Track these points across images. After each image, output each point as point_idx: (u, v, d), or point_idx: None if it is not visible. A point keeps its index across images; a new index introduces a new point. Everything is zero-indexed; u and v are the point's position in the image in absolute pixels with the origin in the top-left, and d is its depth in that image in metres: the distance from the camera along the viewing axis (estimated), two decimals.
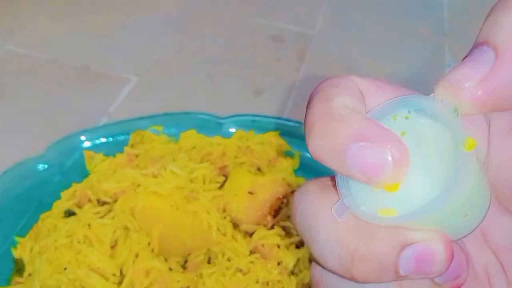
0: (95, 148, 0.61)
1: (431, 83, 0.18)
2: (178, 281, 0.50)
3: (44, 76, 0.74)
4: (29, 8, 0.86)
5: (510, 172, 0.19)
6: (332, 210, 0.18)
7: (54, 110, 0.68)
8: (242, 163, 0.59)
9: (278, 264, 0.51)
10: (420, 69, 0.79)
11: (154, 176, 0.56)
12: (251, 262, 0.51)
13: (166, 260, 0.51)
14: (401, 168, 0.17)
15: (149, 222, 0.53)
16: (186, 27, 0.86)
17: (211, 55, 0.80)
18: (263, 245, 0.52)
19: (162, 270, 0.50)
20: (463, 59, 0.18)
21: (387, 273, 0.18)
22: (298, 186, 0.56)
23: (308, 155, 0.60)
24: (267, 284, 0.50)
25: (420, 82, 0.72)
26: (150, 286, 0.49)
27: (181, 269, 0.51)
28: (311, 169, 0.58)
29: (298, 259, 0.51)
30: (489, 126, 0.20)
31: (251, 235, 0.53)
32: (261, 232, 0.53)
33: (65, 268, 0.49)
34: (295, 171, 0.60)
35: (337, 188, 0.19)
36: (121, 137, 0.62)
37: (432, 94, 0.18)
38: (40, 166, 0.58)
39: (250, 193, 0.55)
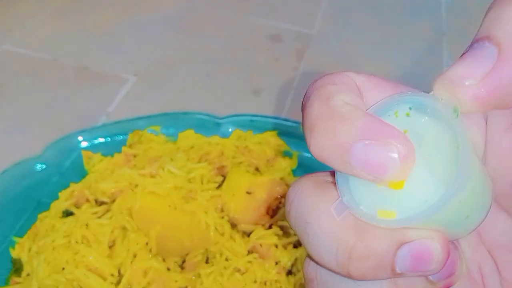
0: (93, 148, 0.61)
1: (429, 82, 0.18)
2: (176, 281, 0.50)
3: (43, 76, 0.74)
4: (28, 8, 0.86)
5: (506, 170, 0.19)
6: (331, 209, 0.18)
7: (52, 110, 0.68)
8: (240, 163, 0.59)
9: (276, 263, 0.51)
10: (418, 68, 0.79)
11: (152, 176, 0.56)
12: (249, 261, 0.51)
13: (164, 260, 0.51)
14: (407, 165, 0.17)
15: (147, 222, 0.53)
16: (186, 27, 0.86)
17: (210, 55, 0.80)
18: (261, 245, 0.52)
19: (160, 270, 0.50)
20: (462, 54, 0.17)
21: (384, 270, 0.18)
22: None
23: (307, 154, 0.61)
24: (265, 283, 0.50)
25: (419, 81, 0.72)
26: (148, 286, 0.49)
27: (179, 269, 0.51)
28: (310, 169, 0.58)
29: (296, 259, 0.51)
30: (486, 123, 0.19)
31: (249, 235, 0.53)
32: (259, 232, 0.53)
33: (63, 268, 0.49)
34: (293, 171, 0.60)
35: (337, 186, 0.18)
36: (119, 137, 0.62)
37: (431, 92, 0.18)
38: (38, 166, 0.59)
39: (248, 193, 0.55)
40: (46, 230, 0.53)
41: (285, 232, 0.53)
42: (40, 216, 0.55)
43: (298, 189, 0.20)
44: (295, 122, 0.63)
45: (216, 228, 0.53)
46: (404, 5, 0.93)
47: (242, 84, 0.75)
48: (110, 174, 0.57)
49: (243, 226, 0.54)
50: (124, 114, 0.67)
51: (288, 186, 0.56)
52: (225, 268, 0.50)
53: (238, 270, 0.50)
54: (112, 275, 0.50)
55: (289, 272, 0.51)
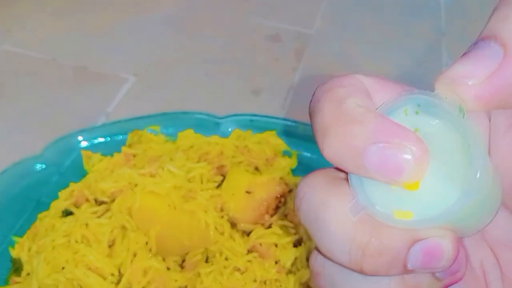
0: (93, 148, 0.61)
1: (429, 82, 0.18)
2: (176, 280, 0.50)
3: (42, 76, 0.74)
4: (28, 8, 0.86)
5: (508, 169, 0.19)
6: (347, 210, 0.18)
7: (52, 110, 0.69)
8: (240, 162, 0.59)
9: (276, 263, 0.51)
10: (418, 68, 0.79)
11: (152, 176, 0.56)
12: (249, 261, 0.51)
13: (164, 259, 0.51)
14: (422, 166, 0.17)
15: (146, 221, 0.53)
16: (186, 27, 0.86)
17: (210, 55, 0.80)
18: (260, 244, 0.52)
19: (160, 269, 0.50)
20: (465, 53, 0.17)
21: (396, 267, 0.18)
22: (296, 185, 0.56)
23: (306, 154, 0.61)
24: (265, 283, 0.50)
25: (419, 81, 0.72)
26: (148, 286, 0.49)
27: (179, 269, 0.51)
28: (309, 168, 0.58)
29: (296, 258, 0.51)
30: (490, 122, 0.20)
31: (248, 234, 0.53)
32: (259, 231, 0.53)
33: (63, 268, 0.49)
34: (293, 170, 0.60)
35: (351, 186, 0.18)
36: (119, 137, 0.62)
37: (435, 91, 0.18)
38: (38, 166, 0.59)
39: (247, 192, 0.55)
40: (46, 230, 0.53)
41: (285, 231, 0.53)
42: (40, 215, 0.55)
43: (310, 184, 0.20)
44: (295, 122, 0.63)
45: (215, 228, 0.53)
46: (404, 5, 0.93)
47: (242, 84, 0.75)
48: (110, 174, 0.57)
49: (242, 226, 0.54)
50: (123, 114, 0.67)
51: (287, 185, 0.56)
52: (225, 267, 0.50)
53: (238, 270, 0.50)
54: (112, 274, 0.50)
55: (289, 271, 0.51)
